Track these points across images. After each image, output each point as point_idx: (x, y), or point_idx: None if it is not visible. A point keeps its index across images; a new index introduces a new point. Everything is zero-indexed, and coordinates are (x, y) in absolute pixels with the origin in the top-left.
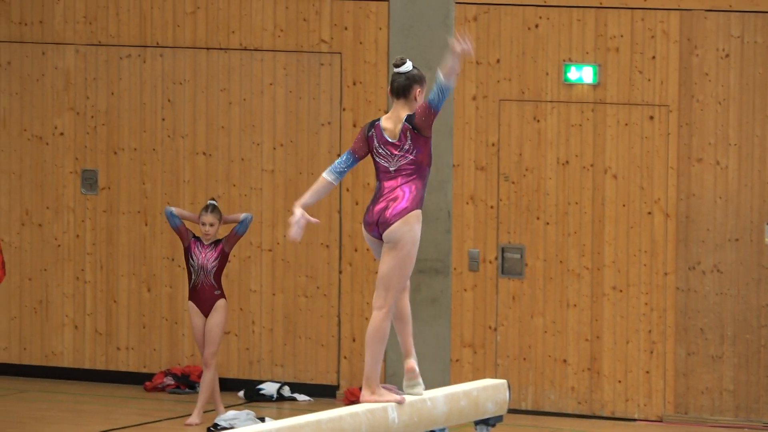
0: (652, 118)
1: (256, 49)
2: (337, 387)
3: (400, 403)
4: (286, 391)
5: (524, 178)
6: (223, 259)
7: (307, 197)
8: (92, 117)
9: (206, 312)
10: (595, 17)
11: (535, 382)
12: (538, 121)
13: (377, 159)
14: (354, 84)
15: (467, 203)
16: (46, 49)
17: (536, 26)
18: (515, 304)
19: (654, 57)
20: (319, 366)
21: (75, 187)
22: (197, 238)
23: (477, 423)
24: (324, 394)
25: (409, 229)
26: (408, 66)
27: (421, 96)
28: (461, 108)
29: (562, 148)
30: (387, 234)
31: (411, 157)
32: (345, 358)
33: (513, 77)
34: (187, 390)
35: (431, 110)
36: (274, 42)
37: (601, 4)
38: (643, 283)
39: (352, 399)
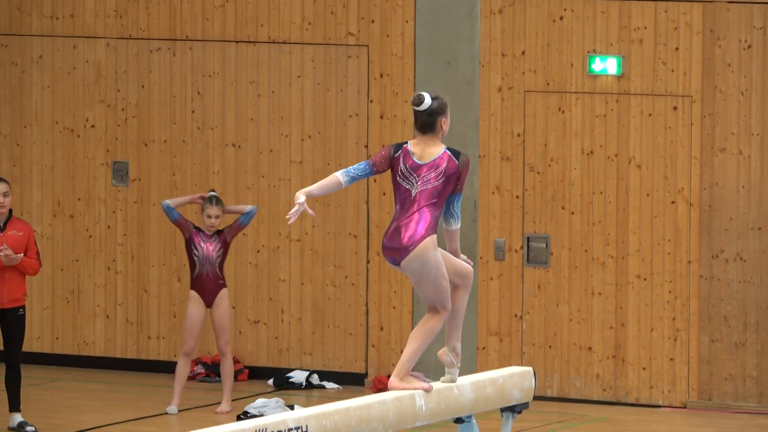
0: (675, 108)
1: (284, 42)
2: (365, 375)
3: (427, 390)
4: (315, 379)
5: (549, 168)
6: (225, 249)
7: (314, 189)
8: (123, 109)
9: (209, 302)
10: (618, 9)
11: (561, 370)
12: (563, 111)
13: (399, 181)
14: (381, 76)
15: (493, 193)
16: (78, 42)
17: (561, 18)
18: (541, 293)
19: (677, 48)
20: (347, 354)
21: (106, 178)
22: (198, 229)
23: (503, 410)
24: (352, 382)
25: (424, 263)
26: (427, 102)
27: (446, 125)
28: (487, 99)
29: (587, 138)
30: (406, 266)
31: (438, 184)
32: (373, 346)
33: (538, 69)
34: (217, 378)
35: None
36: (302, 35)
37: None
38: (667, 272)
39: (380, 387)
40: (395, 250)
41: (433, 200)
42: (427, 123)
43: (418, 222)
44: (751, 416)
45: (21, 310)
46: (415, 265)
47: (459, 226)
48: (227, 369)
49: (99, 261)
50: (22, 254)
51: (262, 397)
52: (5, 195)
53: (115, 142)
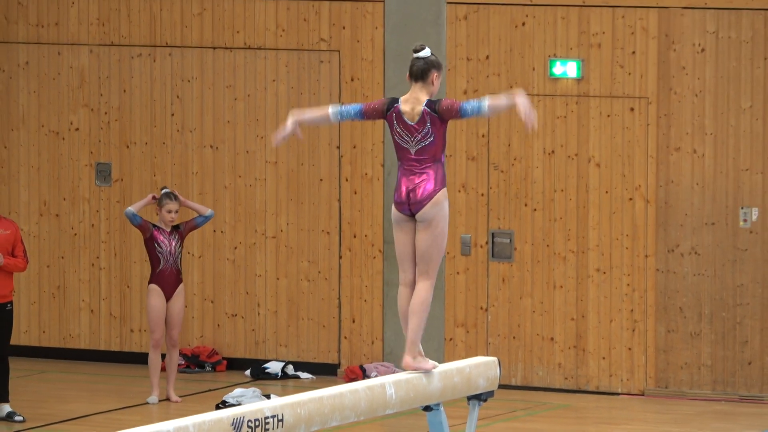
0: (632, 109)
1: (259, 48)
2: (338, 365)
3: (431, 369)
4: (290, 370)
5: (512, 167)
6: (182, 244)
7: (305, 116)
8: (105, 113)
9: (169, 295)
10: (578, 15)
11: (524, 359)
12: None
13: (397, 139)
14: (352, 80)
15: (459, 191)
16: (62, 49)
17: (523, 24)
18: (505, 286)
19: (634, 52)
20: (320, 346)
21: (90, 179)
22: (156, 226)
23: (470, 398)
24: (325, 372)
25: (440, 208)
26: (427, 52)
27: (437, 81)
28: None
29: (548, 138)
30: (420, 215)
31: (430, 140)
32: (345, 338)
33: (501, 72)
34: (196, 369)
35: (457, 112)
36: (276, 41)
37: (583, 2)
38: (625, 265)
39: (352, 377)
40: (411, 204)
41: (434, 157)
42: (421, 70)
43: (427, 182)
44: (706, 402)
45: (9, 305)
46: (429, 213)
47: (485, 103)
48: (175, 359)
49: (84, 258)
50: (7, 255)
51: (239, 387)
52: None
53: (98, 144)
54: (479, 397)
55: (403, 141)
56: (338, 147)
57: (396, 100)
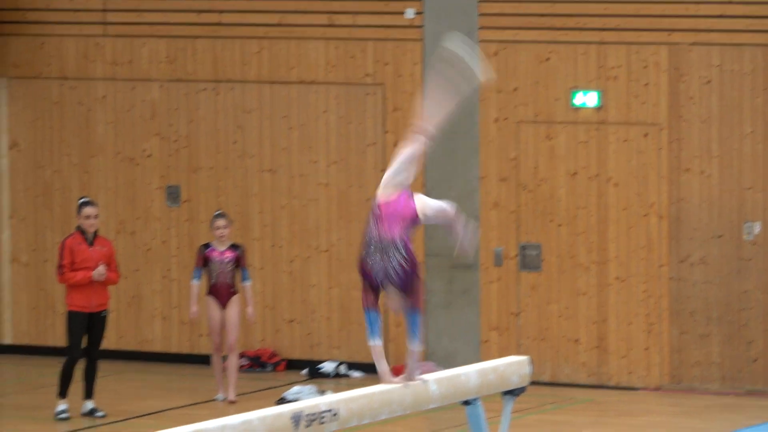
0: (646, 135)
1: (311, 82)
2: None
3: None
4: (343, 369)
5: (539, 187)
6: (237, 262)
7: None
8: (175, 141)
9: (224, 305)
10: (597, 51)
11: (552, 359)
12: (551, 139)
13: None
14: (395, 110)
15: (492, 209)
16: (135, 84)
17: (547, 59)
18: (534, 293)
19: (647, 84)
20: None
21: (161, 200)
22: (209, 246)
23: (504, 393)
24: (374, 371)
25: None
26: None
27: None
28: (485, 129)
29: (571, 161)
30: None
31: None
32: (391, 340)
33: (528, 102)
34: (258, 369)
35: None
36: (326, 76)
37: (602, 40)
38: (642, 274)
39: (398, 375)
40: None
41: (404, 224)
42: None
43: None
44: (716, 396)
45: (104, 312)
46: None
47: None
48: (232, 362)
49: (156, 270)
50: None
51: (297, 385)
52: (96, 216)
53: (168, 169)
54: (512, 393)
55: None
56: (383, 170)
57: None
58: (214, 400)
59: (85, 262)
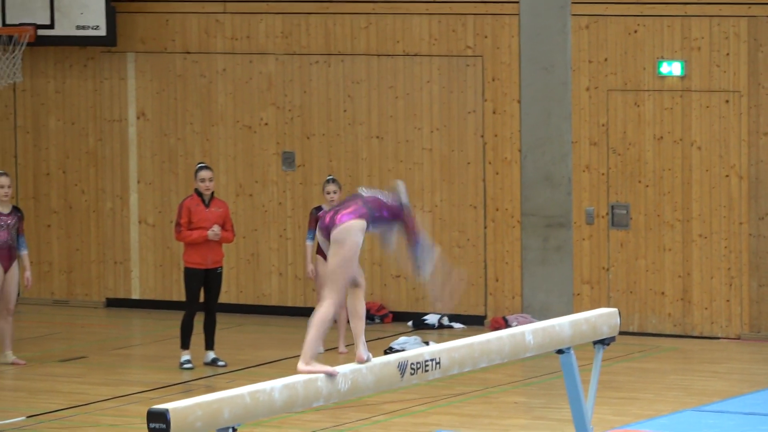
0: (727, 101)
1: (416, 55)
2: (484, 317)
3: (332, 375)
4: (445, 321)
5: (628, 150)
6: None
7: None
8: (289, 110)
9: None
10: (681, 23)
11: (640, 310)
12: (638, 106)
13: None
14: (493, 80)
15: (584, 171)
16: (253, 58)
17: (635, 31)
18: (623, 250)
19: (728, 54)
20: (470, 301)
21: (277, 165)
22: (318, 208)
23: (595, 343)
24: (474, 323)
25: (353, 233)
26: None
27: None
28: (577, 97)
29: (657, 126)
30: (333, 234)
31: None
32: (490, 294)
33: (618, 72)
34: (367, 321)
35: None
36: (429, 48)
37: (685, 13)
38: (723, 231)
39: (497, 326)
40: (329, 227)
41: (364, 202)
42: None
43: (349, 213)
44: None
45: (219, 269)
46: (341, 234)
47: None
48: (341, 316)
49: (273, 230)
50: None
51: (403, 336)
52: (210, 180)
53: (283, 136)
54: (603, 342)
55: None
56: (482, 136)
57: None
58: (327, 349)
59: (201, 222)
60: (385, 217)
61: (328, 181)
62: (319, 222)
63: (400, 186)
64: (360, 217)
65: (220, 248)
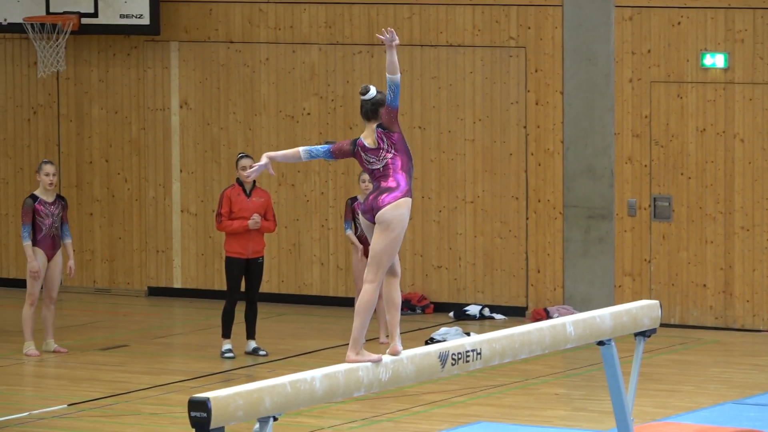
0: None
1: (459, 45)
2: (525, 308)
3: (377, 361)
4: (486, 312)
5: (670, 142)
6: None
7: (278, 155)
8: (332, 100)
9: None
10: (724, 15)
11: (681, 303)
12: (681, 97)
13: (368, 166)
14: (536, 71)
15: (626, 163)
16: (296, 48)
17: (678, 23)
18: (665, 242)
19: None
20: (511, 292)
21: None
22: (354, 199)
23: (636, 335)
24: (515, 314)
25: (399, 213)
26: (372, 93)
27: (387, 113)
28: (620, 89)
29: (700, 118)
30: (378, 216)
31: (392, 153)
32: (531, 285)
33: (661, 63)
34: (408, 312)
35: (390, 108)
36: (473, 39)
37: (729, 5)
38: (766, 224)
39: (538, 317)
40: (374, 209)
41: (399, 168)
42: (370, 110)
43: (394, 189)
44: None
45: (260, 259)
46: (386, 215)
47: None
48: (379, 306)
49: (315, 220)
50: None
51: (444, 326)
52: (251, 167)
53: (326, 126)
54: (644, 334)
55: (371, 164)
56: (525, 127)
57: (358, 139)
58: (368, 339)
59: (242, 212)
60: (400, 158)
61: (363, 172)
62: (362, 206)
63: (371, 88)
64: (404, 194)
65: (261, 238)
